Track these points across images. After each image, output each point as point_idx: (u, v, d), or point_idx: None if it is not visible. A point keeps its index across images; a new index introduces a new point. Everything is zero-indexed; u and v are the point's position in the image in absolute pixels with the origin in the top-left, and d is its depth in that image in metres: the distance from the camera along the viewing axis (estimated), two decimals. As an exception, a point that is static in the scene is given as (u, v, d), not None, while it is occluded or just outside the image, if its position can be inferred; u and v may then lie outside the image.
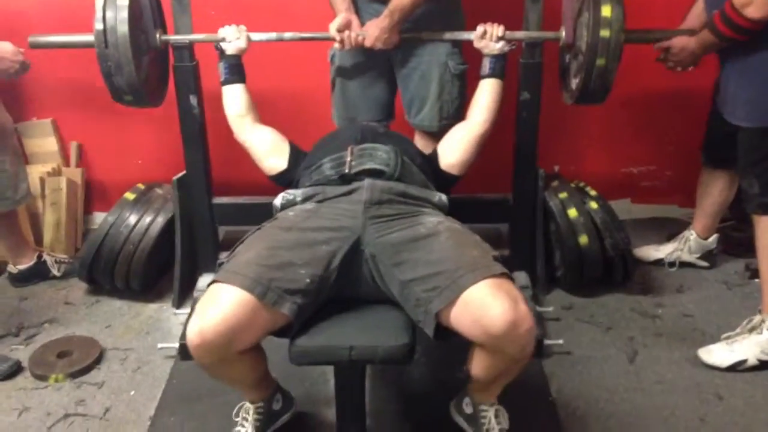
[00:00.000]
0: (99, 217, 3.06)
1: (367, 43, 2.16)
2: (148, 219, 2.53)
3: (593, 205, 2.53)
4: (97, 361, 2.24)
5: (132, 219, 2.52)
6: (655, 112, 3.03)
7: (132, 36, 2.02)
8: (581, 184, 2.65)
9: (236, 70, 2.16)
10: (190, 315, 2.31)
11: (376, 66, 2.40)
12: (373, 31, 2.15)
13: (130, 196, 2.60)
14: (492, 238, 2.61)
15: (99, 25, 2.02)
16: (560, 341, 2.23)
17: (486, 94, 2.11)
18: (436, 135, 2.32)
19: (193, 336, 1.42)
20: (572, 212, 2.49)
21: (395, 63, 2.38)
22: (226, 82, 2.15)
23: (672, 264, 2.75)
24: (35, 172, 2.93)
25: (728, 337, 2.19)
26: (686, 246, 2.73)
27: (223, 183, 2.66)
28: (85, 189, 3.13)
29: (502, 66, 2.14)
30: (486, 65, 2.15)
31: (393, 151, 1.86)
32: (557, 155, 3.07)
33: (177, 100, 2.30)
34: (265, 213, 1.86)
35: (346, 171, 1.80)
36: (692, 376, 2.13)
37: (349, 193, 1.73)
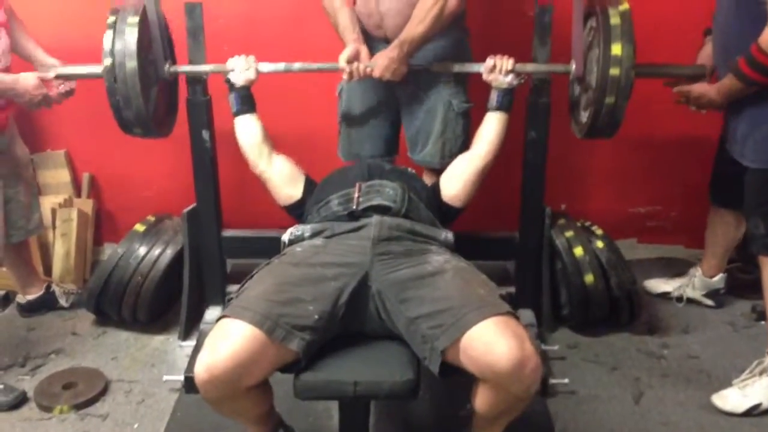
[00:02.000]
0: (109, 249, 3.08)
1: (376, 74, 2.16)
2: (157, 251, 2.56)
3: (599, 244, 2.53)
4: (102, 392, 2.24)
5: (141, 250, 2.54)
6: (662, 153, 3.04)
7: (141, 69, 2.05)
8: (587, 223, 2.67)
9: (247, 100, 2.19)
10: (196, 347, 2.32)
11: (382, 103, 2.43)
12: (382, 62, 2.14)
13: (140, 227, 2.63)
14: (498, 275, 2.63)
15: (107, 60, 2.03)
16: (565, 380, 2.23)
17: (491, 128, 2.13)
18: (440, 171, 2.33)
19: (201, 371, 1.43)
20: (578, 251, 2.50)
21: (401, 100, 2.41)
22: (239, 113, 2.17)
23: (679, 299, 2.77)
24: (47, 202, 2.97)
25: (740, 381, 2.17)
26: (691, 282, 2.75)
27: (232, 216, 2.68)
28: (96, 220, 3.16)
29: (510, 100, 2.15)
30: (494, 98, 2.15)
31: (400, 188, 1.89)
32: (564, 194, 3.08)
33: (189, 134, 2.33)
34: (273, 246, 1.88)
35: (354, 207, 1.83)
36: (697, 418, 2.11)
37: (358, 229, 1.75)
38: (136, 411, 2.16)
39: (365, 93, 2.43)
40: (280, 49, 2.85)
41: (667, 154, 3.05)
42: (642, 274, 2.87)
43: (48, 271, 2.96)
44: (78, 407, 2.17)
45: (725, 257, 2.69)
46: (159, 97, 2.24)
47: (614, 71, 1.97)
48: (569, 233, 2.56)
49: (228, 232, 2.52)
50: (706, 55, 2.30)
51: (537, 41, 2.22)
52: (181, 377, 2.17)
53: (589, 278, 2.45)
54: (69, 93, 2.35)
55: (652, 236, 3.23)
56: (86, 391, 2.22)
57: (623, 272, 2.49)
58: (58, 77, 2.26)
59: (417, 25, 2.13)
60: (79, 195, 3.13)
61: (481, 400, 1.55)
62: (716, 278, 2.71)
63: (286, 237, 1.86)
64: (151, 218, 2.71)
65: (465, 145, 2.37)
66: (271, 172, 2.11)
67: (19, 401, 2.18)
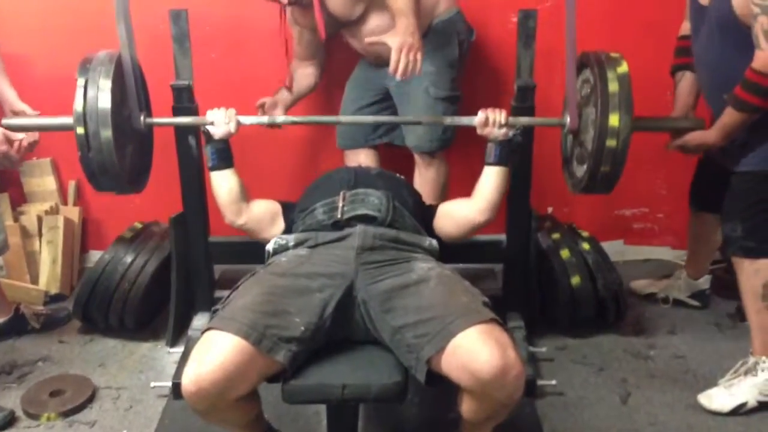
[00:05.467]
0: (96, 256, 3.06)
1: (402, 51, 2.09)
2: (144, 257, 2.56)
3: (585, 246, 2.56)
4: (90, 399, 2.23)
5: (128, 257, 2.54)
6: (648, 155, 3.06)
7: (116, 134, 1.91)
8: (574, 226, 2.69)
9: (225, 155, 2.05)
10: (184, 354, 2.31)
11: (371, 91, 2.60)
12: (394, 39, 2.09)
13: (127, 234, 2.63)
14: (486, 278, 2.65)
15: (80, 129, 1.88)
16: (553, 382, 2.24)
17: (489, 183, 2.02)
18: (427, 155, 2.52)
19: (188, 383, 1.42)
20: (565, 253, 2.52)
21: (391, 90, 2.55)
22: (215, 168, 2.05)
23: (665, 300, 2.79)
24: (33, 210, 2.97)
25: (726, 381, 2.19)
26: (677, 284, 2.77)
27: (219, 221, 2.68)
28: (83, 227, 3.15)
29: (507, 152, 2.03)
30: (491, 153, 2.03)
31: (385, 197, 1.90)
32: (550, 197, 3.10)
33: (176, 141, 2.33)
34: (260, 252, 1.89)
35: (339, 217, 1.83)
36: (685, 418, 2.13)
37: (342, 239, 1.76)
38: (124, 418, 2.15)
39: (359, 84, 2.62)
40: (270, 57, 2.85)
41: (653, 156, 3.07)
42: (628, 276, 2.90)
43: (35, 279, 2.94)
44: (65, 414, 2.15)
45: (709, 259, 2.71)
46: (134, 151, 2.12)
47: (611, 142, 1.93)
48: (556, 236, 2.59)
49: (215, 238, 2.52)
50: (684, 93, 2.28)
51: (521, 46, 2.24)
52: (169, 384, 2.17)
53: (575, 280, 2.47)
54: (32, 146, 2.24)
55: (638, 238, 3.25)
56: (74, 398, 2.21)
57: (609, 274, 2.51)
58: (24, 129, 2.12)
59: None
60: (65, 202, 3.12)
61: (467, 406, 1.56)
62: (701, 279, 2.73)
63: (270, 246, 1.87)
64: (138, 225, 2.71)
65: (450, 131, 2.50)
66: (251, 224, 2.04)
67: (8, 421, 2.11)
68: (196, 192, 2.41)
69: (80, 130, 1.89)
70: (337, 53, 2.75)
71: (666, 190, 3.13)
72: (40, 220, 2.95)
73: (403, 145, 2.65)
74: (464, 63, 2.59)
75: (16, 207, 3.02)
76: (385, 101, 2.63)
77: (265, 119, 2.15)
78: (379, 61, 2.44)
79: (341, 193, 1.91)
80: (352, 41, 2.53)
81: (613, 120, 1.92)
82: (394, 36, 2.11)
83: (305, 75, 2.66)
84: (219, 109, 2.05)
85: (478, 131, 2.04)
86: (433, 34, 2.43)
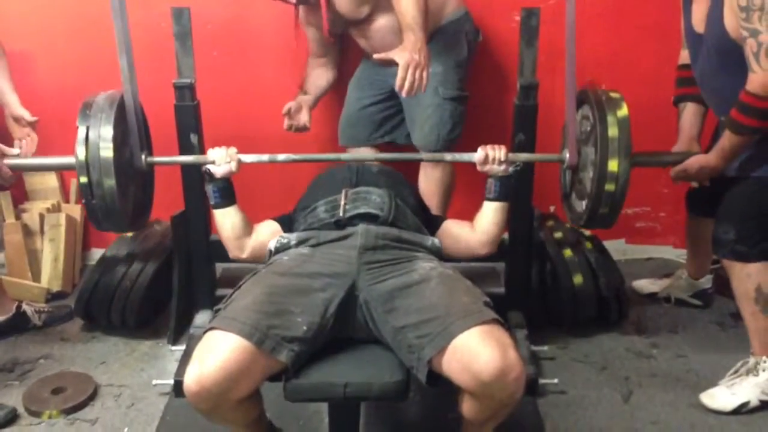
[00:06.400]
0: (97, 254, 3.06)
1: (405, 60, 2.06)
2: (145, 256, 2.56)
3: (588, 245, 2.56)
4: (91, 397, 2.23)
5: (130, 255, 2.54)
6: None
7: (119, 180, 1.95)
8: (576, 225, 2.68)
9: (227, 193, 2.03)
10: (185, 352, 2.31)
11: (375, 89, 2.61)
12: (402, 54, 2.07)
13: (128, 232, 2.62)
14: (488, 276, 2.65)
15: (83, 179, 1.93)
16: (555, 380, 2.23)
17: (490, 218, 2.02)
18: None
19: (191, 383, 1.42)
20: (567, 252, 2.52)
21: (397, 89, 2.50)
22: (218, 206, 2.03)
23: (667, 299, 2.79)
24: (35, 208, 2.97)
25: (728, 380, 2.18)
26: (678, 283, 2.77)
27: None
28: (85, 225, 3.15)
29: (507, 188, 2.03)
30: (491, 188, 2.02)
31: (387, 195, 1.89)
32: (553, 196, 3.09)
33: (177, 138, 2.32)
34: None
35: (341, 215, 1.83)
36: (686, 416, 2.13)
37: (344, 238, 1.75)
38: (126, 415, 2.15)
39: (363, 82, 2.64)
40: (272, 55, 2.85)
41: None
42: (630, 275, 2.89)
43: (36, 276, 2.94)
44: (67, 412, 2.15)
45: (709, 260, 2.70)
46: (136, 192, 2.15)
47: (610, 186, 1.98)
48: (558, 234, 2.59)
49: (217, 237, 2.51)
50: (687, 125, 2.28)
51: (524, 45, 2.23)
52: (171, 381, 2.17)
53: (578, 279, 2.47)
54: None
55: (640, 237, 3.25)
56: (75, 395, 2.21)
57: (612, 273, 2.51)
58: (26, 169, 2.13)
59: (406, 9, 2.13)
60: (67, 200, 3.12)
61: (468, 406, 1.56)
62: (702, 279, 2.73)
63: (272, 245, 1.87)
64: (140, 223, 2.71)
65: (455, 129, 2.50)
66: (256, 253, 2.01)
67: (10, 419, 2.11)
68: (197, 190, 2.40)
69: (83, 180, 1.94)
70: (348, 51, 2.77)
71: (668, 188, 3.11)
72: (42, 217, 2.95)
73: (405, 144, 2.65)
74: (470, 63, 2.59)
75: (18, 205, 3.02)
76: (389, 100, 2.63)
77: (266, 158, 2.10)
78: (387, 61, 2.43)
79: (343, 191, 1.91)
80: (360, 40, 2.54)
81: (612, 165, 1.95)
82: (402, 52, 2.10)
83: (320, 73, 2.68)
84: (220, 148, 2.04)
85: (478, 168, 2.04)
86: (441, 35, 2.44)
